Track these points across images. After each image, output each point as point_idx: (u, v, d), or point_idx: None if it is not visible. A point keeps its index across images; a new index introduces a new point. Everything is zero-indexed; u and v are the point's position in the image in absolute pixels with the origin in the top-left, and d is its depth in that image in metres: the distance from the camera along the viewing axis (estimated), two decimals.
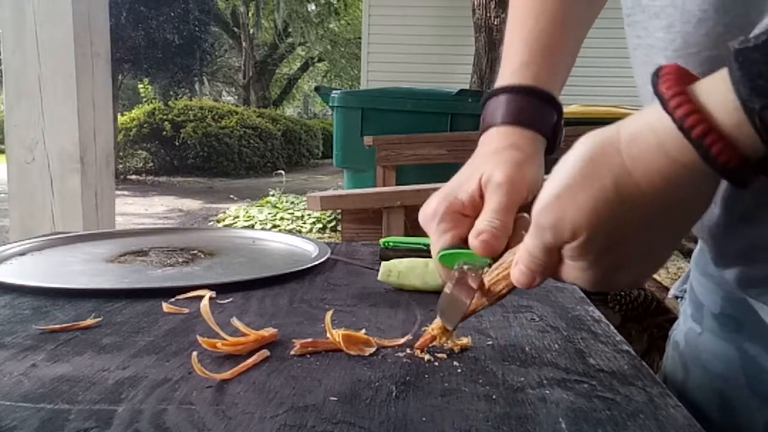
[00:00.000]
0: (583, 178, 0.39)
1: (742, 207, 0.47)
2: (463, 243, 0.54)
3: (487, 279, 0.51)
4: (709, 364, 0.60)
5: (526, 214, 0.54)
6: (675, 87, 0.35)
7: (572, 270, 0.43)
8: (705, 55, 0.42)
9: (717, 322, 0.59)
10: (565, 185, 0.40)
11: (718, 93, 0.34)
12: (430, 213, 0.56)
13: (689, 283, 0.66)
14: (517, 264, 0.46)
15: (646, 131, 0.37)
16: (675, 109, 0.35)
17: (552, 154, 0.60)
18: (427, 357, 0.54)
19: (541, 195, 0.42)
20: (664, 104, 0.35)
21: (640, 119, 0.38)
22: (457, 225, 0.55)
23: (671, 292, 0.71)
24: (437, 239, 0.55)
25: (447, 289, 0.54)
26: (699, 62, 0.43)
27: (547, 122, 0.59)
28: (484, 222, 0.52)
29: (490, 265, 0.52)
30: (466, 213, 0.55)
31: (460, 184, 0.56)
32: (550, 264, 0.44)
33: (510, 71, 0.60)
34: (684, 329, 0.65)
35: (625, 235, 0.40)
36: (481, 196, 0.55)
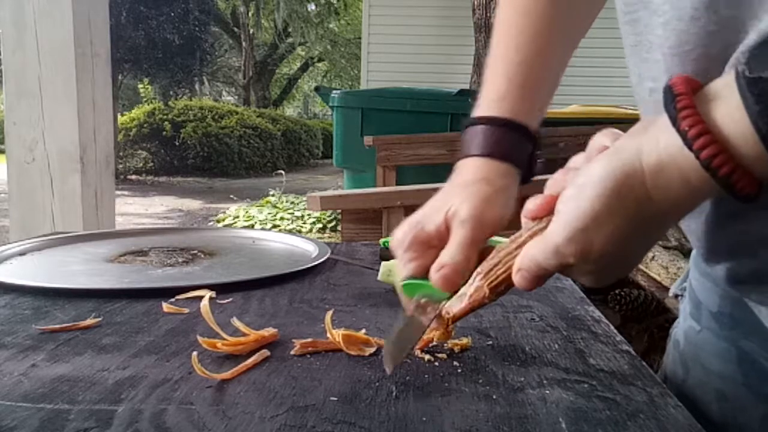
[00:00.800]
0: (609, 211, 0.40)
1: (730, 205, 0.48)
2: (427, 273, 0.54)
3: (484, 278, 0.51)
4: (708, 361, 0.60)
5: (492, 241, 0.55)
6: (694, 116, 0.36)
7: (575, 273, 0.45)
8: (698, 53, 0.43)
9: (715, 319, 0.60)
10: (591, 218, 0.41)
11: (737, 126, 0.34)
12: (398, 240, 0.57)
13: (689, 281, 0.66)
14: (521, 270, 0.46)
15: (671, 165, 0.38)
16: (700, 149, 0.35)
17: (527, 183, 0.61)
18: (427, 357, 0.54)
19: (563, 222, 0.42)
20: (686, 141, 0.36)
21: (662, 149, 0.38)
22: (421, 255, 0.55)
23: (672, 291, 0.72)
24: (402, 267, 0.56)
25: (402, 319, 0.55)
26: (692, 59, 0.43)
27: (521, 154, 0.60)
28: (446, 256, 0.53)
29: (448, 299, 0.52)
30: (432, 244, 0.55)
31: (429, 215, 0.57)
32: (548, 271, 0.45)
33: (488, 102, 0.61)
34: (684, 327, 0.65)
35: (633, 245, 0.42)
36: (447, 229, 0.55)
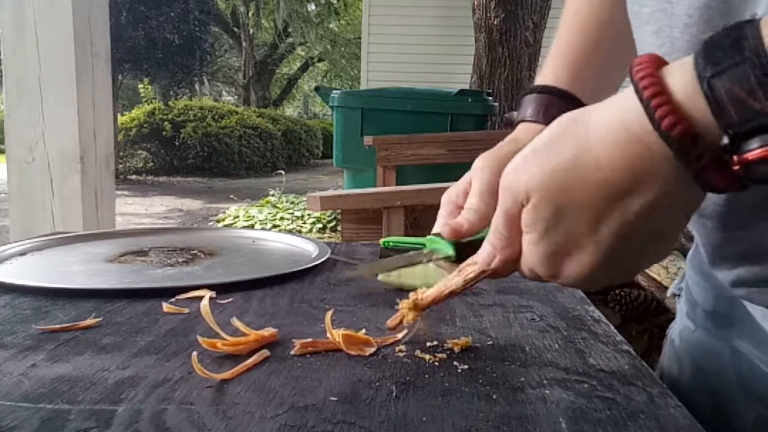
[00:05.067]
0: (545, 147, 0.41)
1: (739, 220, 0.48)
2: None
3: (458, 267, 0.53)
4: (702, 361, 0.60)
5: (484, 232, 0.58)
6: (646, 69, 0.36)
7: (526, 250, 0.44)
8: None
9: (710, 319, 0.60)
10: (528, 152, 0.42)
11: (682, 70, 0.35)
12: (443, 203, 0.62)
13: (685, 281, 0.67)
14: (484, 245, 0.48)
15: (612, 108, 0.38)
16: (639, 82, 0.35)
17: None
18: (427, 357, 0.54)
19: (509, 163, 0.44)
20: (633, 84, 0.36)
21: (612, 100, 0.39)
22: (450, 214, 0.59)
23: (670, 290, 0.72)
24: (435, 228, 0.60)
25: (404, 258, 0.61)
26: None
27: (551, 115, 0.61)
28: (465, 205, 0.57)
29: (450, 259, 0.55)
30: (459, 204, 0.59)
31: (462, 179, 0.61)
32: (511, 240, 0.45)
33: (539, 76, 0.67)
34: (679, 327, 0.66)
35: (572, 210, 0.40)
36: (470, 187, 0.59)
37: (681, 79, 0.34)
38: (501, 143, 0.62)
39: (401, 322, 0.56)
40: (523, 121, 0.65)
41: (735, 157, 0.33)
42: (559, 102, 0.63)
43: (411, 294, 0.56)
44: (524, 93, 0.66)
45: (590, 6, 0.67)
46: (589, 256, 0.41)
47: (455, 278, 0.52)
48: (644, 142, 0.36)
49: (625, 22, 0.64)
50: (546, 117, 0.62)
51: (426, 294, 0.54)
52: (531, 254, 0.44)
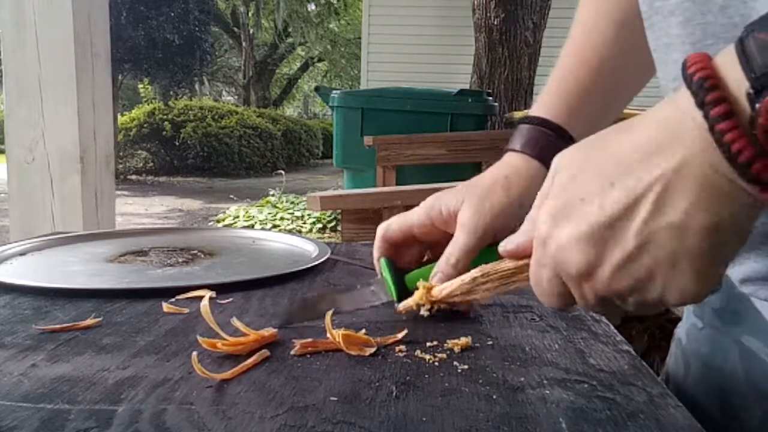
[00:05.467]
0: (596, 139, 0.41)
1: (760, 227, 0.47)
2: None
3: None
4: (709, 358, 0.60)
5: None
6: (700, 60, 0.34)
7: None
8: (720, 47, 0.43)
9: (717, 316, 0.60)
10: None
11: (731, 59, 0.33)
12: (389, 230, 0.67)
13: None
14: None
15: (662, 107, 0.37)
16: (690, 65, 0.34)
17: None
18: (427, 357, 0.54)
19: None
20: (684, 72, 0.34)
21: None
22: (384, 252, 0.66)
23: None
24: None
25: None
26: (715, 53, 0.43)
27: (542, 149, 0.63)
28: (447, 258, 0.60)
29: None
30: (393, 242, 0.66)
31: (407, 215, 0.65)
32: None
33: (535, 106, 0.67)
34: (686, 325, 0.66)
35: (589, 166, 0.39)
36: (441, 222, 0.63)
37: (728, 57, 0.33)
38: (484, 176, 0.63)
39: (413, 307, 0.56)
40: (512, 150, 0.65)
41: (758, 106, 0.31)
42: (551, 137, 0.63)
43: (423, 283, 0.56)
44: (519, 121, 0.66)
45: (591, 39, 0.66)
46: (586, 256, 0.38)
47: (480, 277, 0.52)
48: (679, 106, 0.34)
49: (626, 57, 0.64)
50: (536, 150, 0.63)
51: (443, 287, 0.54)
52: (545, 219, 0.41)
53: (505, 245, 0.48)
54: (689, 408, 0.45)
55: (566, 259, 0.39)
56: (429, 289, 0.57)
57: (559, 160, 0.42)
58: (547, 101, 0.66)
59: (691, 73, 0.34)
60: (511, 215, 0.60)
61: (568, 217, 0.39)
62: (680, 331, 0.67)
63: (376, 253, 0.66)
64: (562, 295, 0.42)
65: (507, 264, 0.50)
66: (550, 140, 0.63)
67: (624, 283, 0.38)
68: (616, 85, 0.66)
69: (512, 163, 0.64)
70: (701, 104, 0.33)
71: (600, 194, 0.37)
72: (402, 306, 0.58)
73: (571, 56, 0.67)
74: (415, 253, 0.67)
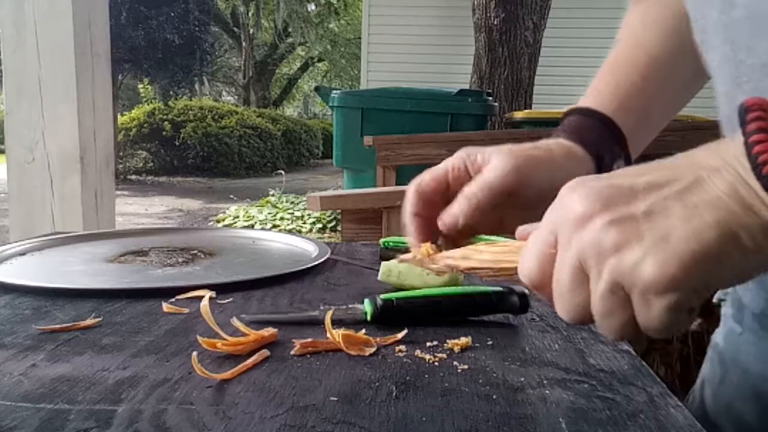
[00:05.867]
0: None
1: None
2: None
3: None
4: (748, 363, 0.60)
5: (478, 239, 0.56)
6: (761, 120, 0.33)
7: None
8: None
9: (757, 321, 0.59)
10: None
11: None
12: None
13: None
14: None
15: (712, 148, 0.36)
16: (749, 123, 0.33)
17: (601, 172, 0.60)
18: (427, 357, 0.54)
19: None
20: (741, 118, 0.34)
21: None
22: (418, 209, 0.62)
23: (716, 297, 0.71)
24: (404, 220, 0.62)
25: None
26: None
27: (596, 141, 0.60)
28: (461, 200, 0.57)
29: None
30: (429, 198, 0.62)
31: (438, 168, 0.62)
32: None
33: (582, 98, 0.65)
34: (724, 331, 0.65)
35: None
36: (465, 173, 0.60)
37: None
38: (525, 144, 0.58)
39: (415, 258, 0.54)
40: (558, 135, 0.61)
41: None
42: (600, 127, 0.61)
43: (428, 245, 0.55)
44: (568, 111, 0.63)
45: (640, 39, 0.65)
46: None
47: (482, 272, 0.49)
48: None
49: (675, 57, 0.62)
50: (582, 138, 0.60)
51: (449, 252, 0.51)
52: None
53: (524, 228, 0.45)
54: (723, 414, 0.45)
55: (596, 239, 0.36)
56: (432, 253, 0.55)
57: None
58: (597, 91, 0.64)
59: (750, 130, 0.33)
60: (541, 178, 0.55)
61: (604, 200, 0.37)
62: (717, 336, 0.67)
63: (408, 208, 0.62)
64: (580, 282, 0.38)
65: (514, 242, 0.47)
66: (598, 130, 0.61)
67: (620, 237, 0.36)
68: (665, 83, 0.64)
69: (558, 141, 0.61)
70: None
71: (633, 178, 0.37)
72: (404, 256, 0.56)
73: (620, 52, 0.66)
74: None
